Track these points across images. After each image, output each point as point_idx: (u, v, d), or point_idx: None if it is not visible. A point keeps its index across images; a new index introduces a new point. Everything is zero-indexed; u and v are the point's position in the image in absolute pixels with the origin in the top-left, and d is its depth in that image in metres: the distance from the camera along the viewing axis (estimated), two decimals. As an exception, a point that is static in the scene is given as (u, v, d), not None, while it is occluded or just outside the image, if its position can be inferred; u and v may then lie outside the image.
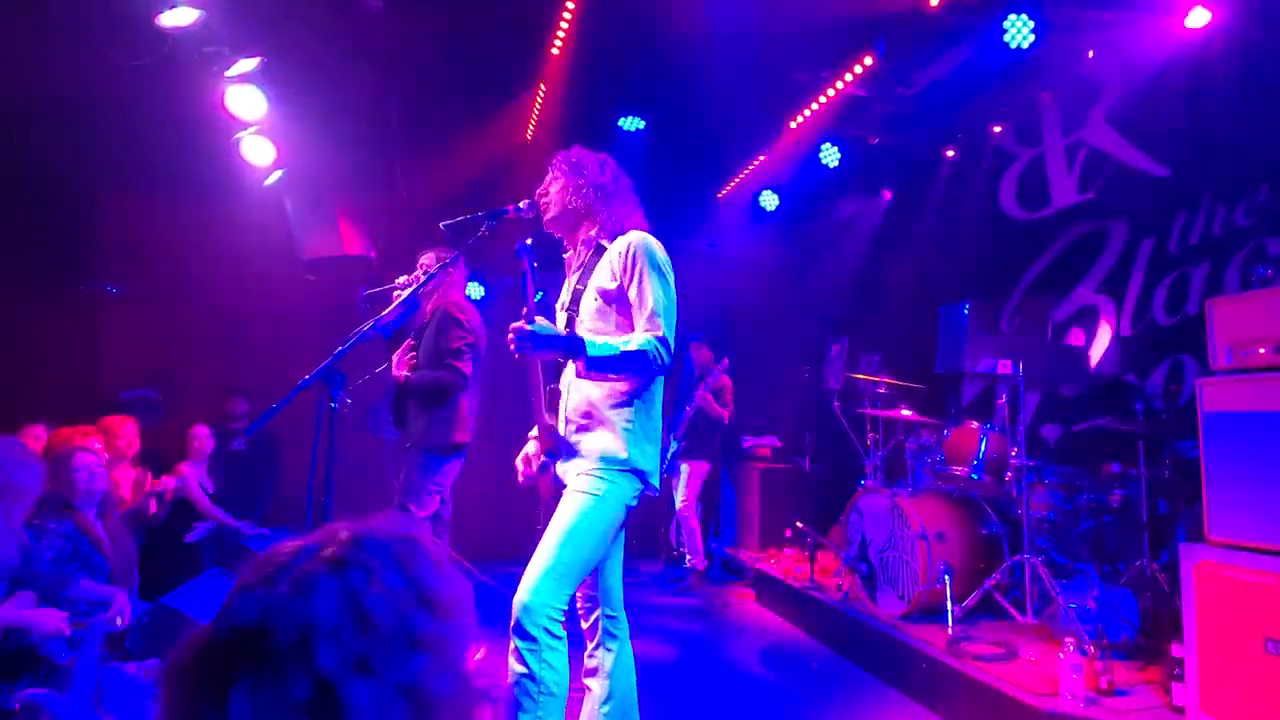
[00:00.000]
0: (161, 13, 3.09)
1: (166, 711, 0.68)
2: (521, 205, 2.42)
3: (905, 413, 4.61)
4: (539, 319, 2.10)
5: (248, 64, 3.56)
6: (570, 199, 2.30)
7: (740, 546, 6.18)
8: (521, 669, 1.97)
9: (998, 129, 5.53)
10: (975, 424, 4.15)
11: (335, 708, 0.65)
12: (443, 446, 3.48)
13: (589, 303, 2.26)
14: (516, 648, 1.99)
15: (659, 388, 2.32)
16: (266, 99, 3.83)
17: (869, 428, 5.00)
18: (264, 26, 3.55)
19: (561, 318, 2.38)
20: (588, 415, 2.21)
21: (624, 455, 2.17)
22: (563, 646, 2.03)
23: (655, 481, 2.28)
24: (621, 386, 2.20)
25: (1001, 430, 4.04)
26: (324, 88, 4.07)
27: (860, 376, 5.06)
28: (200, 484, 4.54)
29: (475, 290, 6.29)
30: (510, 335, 2.06)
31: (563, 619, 2.04)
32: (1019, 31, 3.66)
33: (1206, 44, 3.46)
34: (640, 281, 2.18)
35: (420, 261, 3.51)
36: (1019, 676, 2.97)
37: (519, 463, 2.40)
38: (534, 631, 1.98)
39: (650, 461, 2.25)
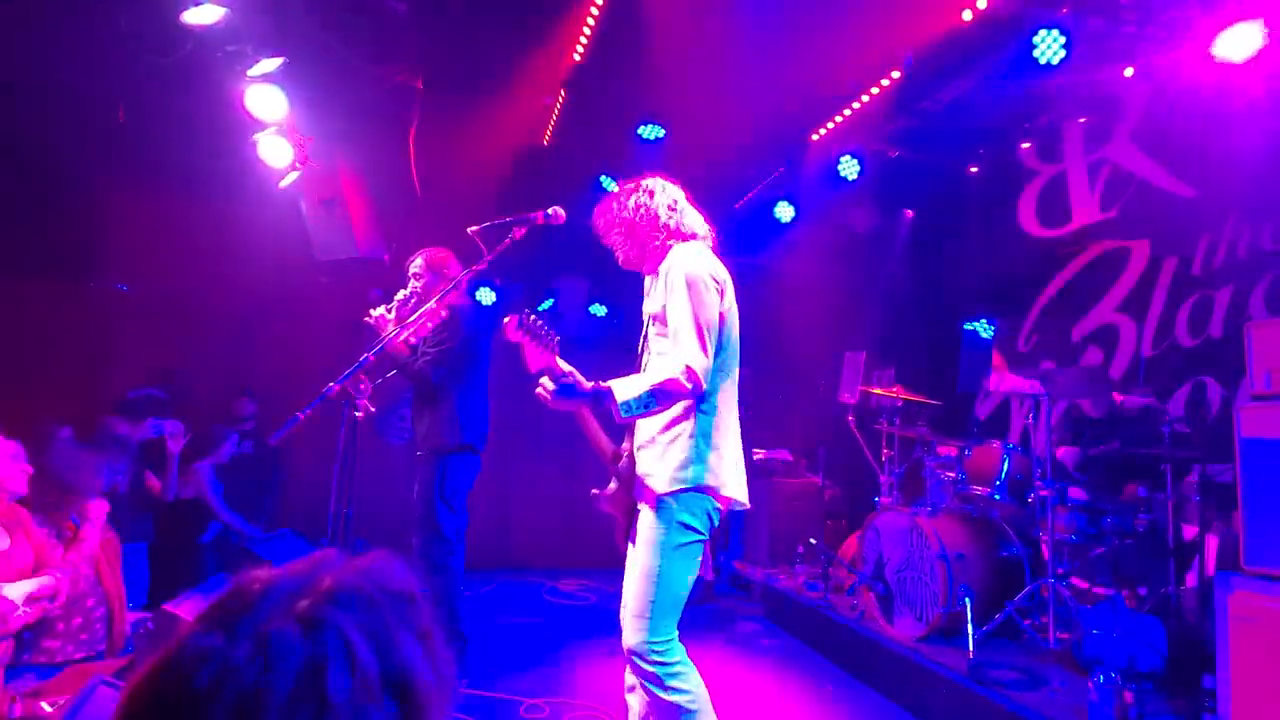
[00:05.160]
0: (186, 10, 3.07)
1: None
2: (550, 212, 2.40)
3: (923, 430, 4.53)
4: (566, 369, 2.17)
5: (270, 64, 3.53)
6: (620, 250, 2.35)
7: (748, 561, 6.10)
8: (653, 696, 2.10)
9: (1021, 145, 5.49)
10: (998, 443, 4.08)
11: None
12: (454, 447, 3.43)
13: (652, 329, 2.30)
14: (643, 682, 2.11)
15: (722, 391, 2.25)
16: (287, 99, 3.79)
17: (884, 443, 4.93)
18: (287, 27, 3.52)
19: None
20: (651, 437, 2.19)
21: (687, 474, 2.12)
22: (686, 667, 2.13)
23: (732, 493, 2.18)
24: (676, 407, 2.16)
25: (1024, 450, 3.97)
26: (344, 90, 4.04)
27: (877, 391, 4.99)
28: (211, 485, 4.49)
29: (487, 296, 6.25)
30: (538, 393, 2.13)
31: (672, 642, 2.12)
32: (1049, 47, 3.62)
33: (1239, 66, 3.43)
34: (670, 302, 2.17)
35: (412, 272, 3.42)
36: (1046, 705, 2.90)
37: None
38: (649, 669, 2.09)
39: (719, 473, 2.17)
